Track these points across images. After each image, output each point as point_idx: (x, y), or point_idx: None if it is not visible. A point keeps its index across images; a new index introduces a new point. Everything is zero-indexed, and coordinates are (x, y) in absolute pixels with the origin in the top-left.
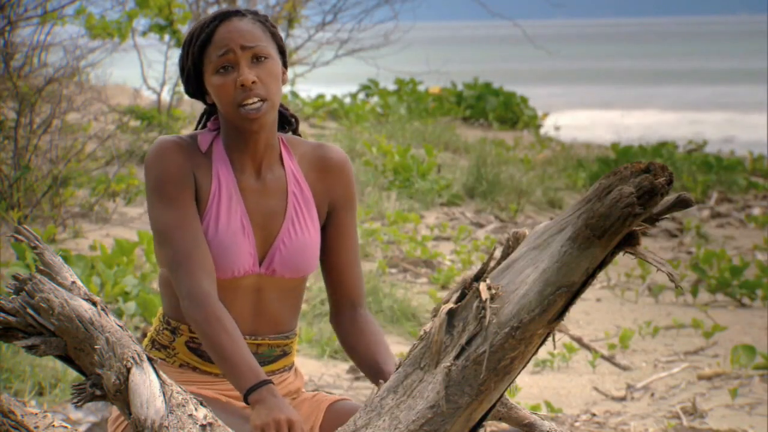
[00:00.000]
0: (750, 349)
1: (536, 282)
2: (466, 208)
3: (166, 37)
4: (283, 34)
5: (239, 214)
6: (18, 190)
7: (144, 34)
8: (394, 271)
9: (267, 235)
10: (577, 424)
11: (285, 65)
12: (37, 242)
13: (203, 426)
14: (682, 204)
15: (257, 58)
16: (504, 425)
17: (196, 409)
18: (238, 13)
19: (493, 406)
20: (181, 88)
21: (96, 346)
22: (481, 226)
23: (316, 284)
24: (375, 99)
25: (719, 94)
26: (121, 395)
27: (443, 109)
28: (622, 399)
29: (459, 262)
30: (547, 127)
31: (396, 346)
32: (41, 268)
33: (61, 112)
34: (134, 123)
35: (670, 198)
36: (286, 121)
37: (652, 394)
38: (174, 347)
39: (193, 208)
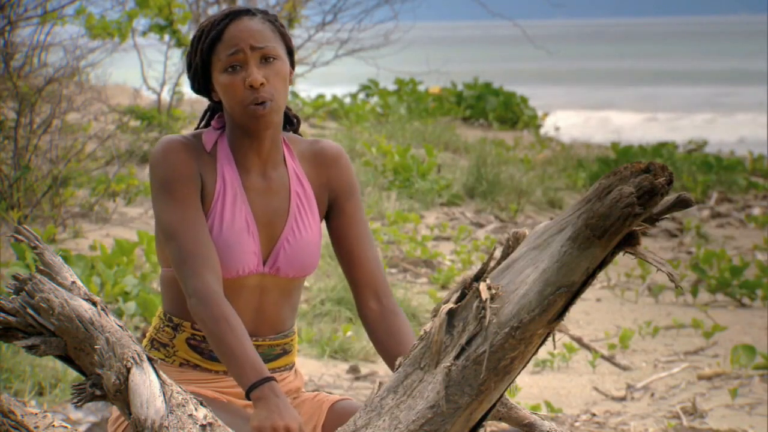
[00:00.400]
0: (750, 349)
1: (536, 282)
2: (466, 208)
3: (166, 37)
4: None
5: (244, 213)
6: (18, 190)
7: (144, 34)
8: (394, 271)
9: (271, 235)
10: (577, 424)
11: (293, 65)
12: (37, 242)
13: (203, 426)
14: (682, 204)
15: (266, 59)
16: (504, 425)
17: (196, 409)
18: (248, 12)
19: (493, 406)
20: (181, 88)
21: (96, 346)
22: (481, 226)
23: (316, 284)
24: (375, 99)
25: (719, 94)
26: (121, 395)
27: (443, 109)
28: (622, 399)
29: (459, 262)
30: (547, 127)
31: None
32: (41, 268)
33: (61, 112)
34: (134, 123)
35: (670, 198)
36: (289, 121)
37: (652, 394)
38: (174, 344)
39: (200, 206)
